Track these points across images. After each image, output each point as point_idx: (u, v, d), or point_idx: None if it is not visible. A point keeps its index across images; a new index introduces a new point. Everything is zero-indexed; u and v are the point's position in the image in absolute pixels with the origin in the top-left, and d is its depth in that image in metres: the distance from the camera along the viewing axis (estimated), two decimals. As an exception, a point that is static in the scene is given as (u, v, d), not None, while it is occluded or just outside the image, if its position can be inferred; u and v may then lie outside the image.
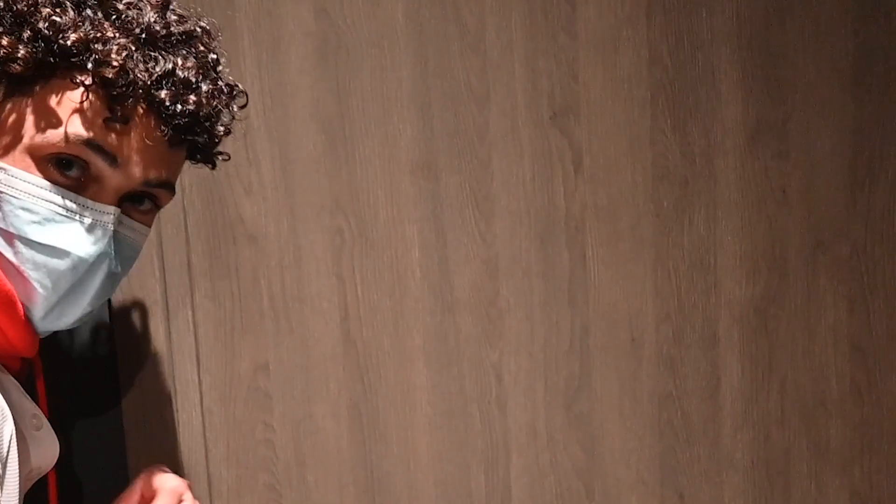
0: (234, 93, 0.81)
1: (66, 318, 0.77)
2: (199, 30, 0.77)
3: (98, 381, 1.10)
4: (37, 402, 0.84)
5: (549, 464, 1.27)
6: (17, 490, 0.73)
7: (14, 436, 0.72)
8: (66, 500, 0.98)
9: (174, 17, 0.75)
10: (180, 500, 0.85)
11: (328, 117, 1.16)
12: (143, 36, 0.72)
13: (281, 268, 1.17)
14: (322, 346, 1.19)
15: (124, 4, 0.72)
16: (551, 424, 1.27)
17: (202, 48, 0.77)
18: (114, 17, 0.72)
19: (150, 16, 0.73)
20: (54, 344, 0.96)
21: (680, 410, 1.30)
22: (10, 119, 0.71)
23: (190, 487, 0.89)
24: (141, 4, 0.74)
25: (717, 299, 1.29)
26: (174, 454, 1.16)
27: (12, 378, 0.79)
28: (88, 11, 0.71)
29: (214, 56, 0.79)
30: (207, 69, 0.77)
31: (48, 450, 0.84)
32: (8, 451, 0.70)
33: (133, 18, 0.72)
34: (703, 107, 1.25)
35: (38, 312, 0.74)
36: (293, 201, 1.16)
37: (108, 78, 0.69)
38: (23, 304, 0.74)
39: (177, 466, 1.16)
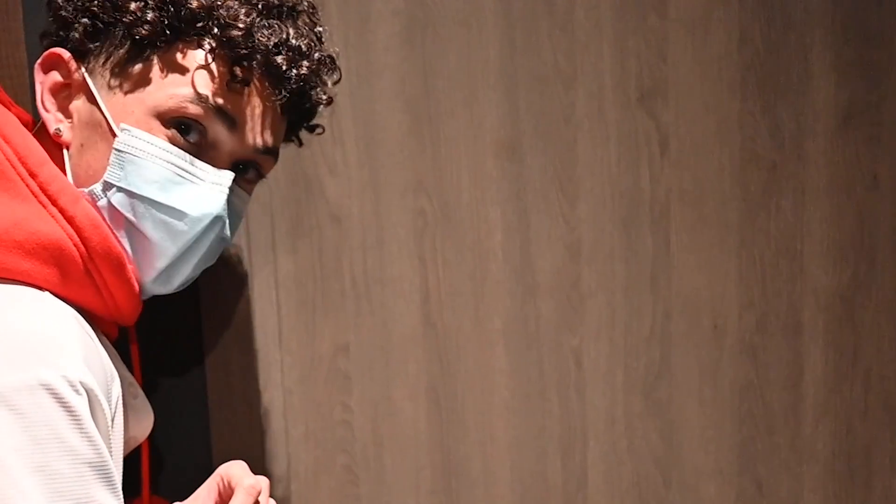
0: (336, 65, 0.83)
1: (173, 282, 0.79)
2: (306, 4, 0.80)
3: (184, 359, 1.10)
4: (130, 372, 0.85)
5: (627, 451, 1.26)
6: (121, 455, 0.74)
7: (121, 398, 0.73)
8: (153, 474, 0.99)
9: None
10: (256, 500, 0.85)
11: (414, 97, 1.15)
12: (260, 5, 0.75)
13: (363, 249, 1.16)
14: (402, 328, 1.19)
15: None
16: (630, 411, 1.25)
17: (309, 21, 0.80)
18: None
19: None
20: (142, 320, 0.96)
21: (761, 400, 1.28)
22: (135, 82, 0.73)
23: (267, 485, 0.88)
24: None
25: (803, 287, 1.26)
26: (255, 434, 1.16)
27: (111, 345, 0.79)
28: None
29: (320, 29, 0.82)
30: (315, 40, 0.80)
31: (144, 419, 0.84)
32: (114, 413, 0.70)
33: None
34: (794, 89, 1.22)
35: (148, 273, 0.76)
36: (377, 182, 1.15)
37: (233, 39, 0.72)
38: (133, 268, 0.75)
39: (257, 446, 1.17)
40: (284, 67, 0.75)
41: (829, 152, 1.24)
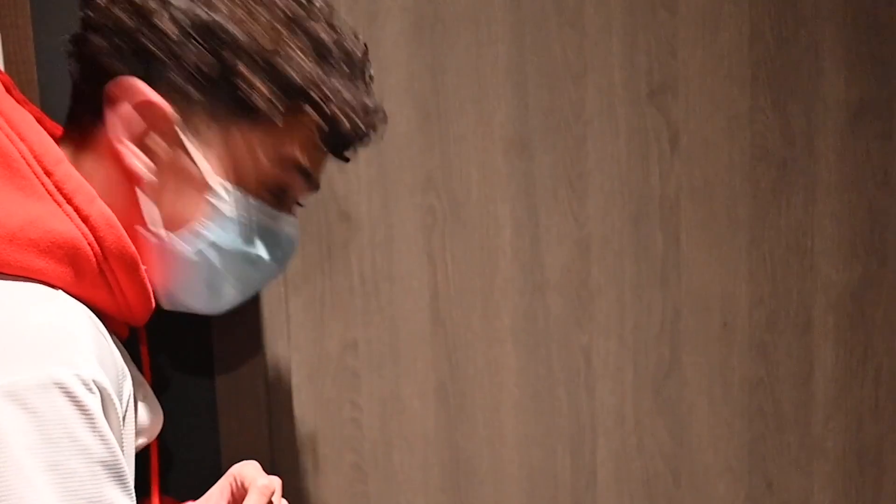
0: (385, 115, 0.86)
1: (220, 303, 0.82)
2: (365, 47, 0.81)
3: (193, 357, 1.10)
4: (140, 371, 0.85)
5: (636, 448, 1.25)
6: (132, 454, 0.73)
7: (132, 396, 0.72)
8: (162, 474, 0.98)
9: (354, 40, 0.79)
10: (270, 500, 0.85)
11: (422, 93, 1.14)
12: (350, 72, 0.76)
13: (372, 246, 1.16)
14: (411, 325, 1.18)
15: (333, 42, 0.76)
16: (639, 409, 1.25)
17: (369, 65, 0.81)
18: (334, 59, 0.76)
19: (353, 48, 0.77)
20: (151, 319, 0.96)
21: (771, 397, 1.27)
22: (235, 143, 0.74)
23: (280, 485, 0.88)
24: (340, 34, 0.77)
25: (813, 284, 1.26)
26: (263, 432, 1.16)
27: (121, 345, 0.79)
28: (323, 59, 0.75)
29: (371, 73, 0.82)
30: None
31: (153, 418, 0.84)
32: (125, 412, 0.70)
33: (345, 55, 0.76)
34: (805, 85, 1.21)
35: (194, 297, 0.79)
36: (385, 178, 1.15)
37: (340, 132, 0.75)
38: (147, 268, 0.75)
39: (266, 445, 1.16)
40: (371, 137, 0.80)
41: (840, 149, 1.23)
